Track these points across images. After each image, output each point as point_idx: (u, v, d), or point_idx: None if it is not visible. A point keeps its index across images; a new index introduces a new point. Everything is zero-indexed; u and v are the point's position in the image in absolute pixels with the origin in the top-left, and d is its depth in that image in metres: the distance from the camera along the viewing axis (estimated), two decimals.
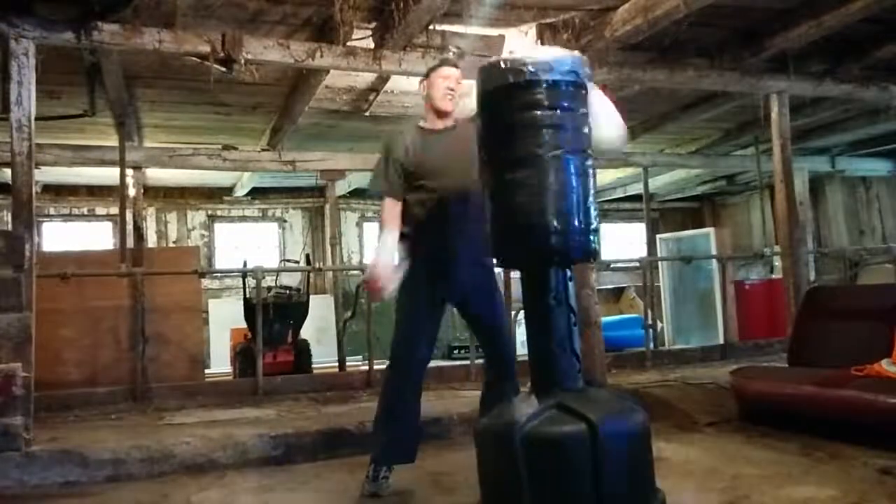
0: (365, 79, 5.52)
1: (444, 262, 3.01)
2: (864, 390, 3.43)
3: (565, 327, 2.29)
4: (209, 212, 10.40)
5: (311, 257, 8.89)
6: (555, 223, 2.24)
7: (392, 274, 2.97)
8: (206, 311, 8.43)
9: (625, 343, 7.42)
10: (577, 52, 2.44)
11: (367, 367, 5.66)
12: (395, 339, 3.10)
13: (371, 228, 11.37)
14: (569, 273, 2.34)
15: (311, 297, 7.42)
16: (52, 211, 9.52)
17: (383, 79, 5.41)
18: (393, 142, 3.15)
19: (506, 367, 3.18)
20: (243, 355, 6.18)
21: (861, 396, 3.39)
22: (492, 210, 2.38)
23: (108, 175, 7.55)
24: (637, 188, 9.34)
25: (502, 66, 2.32)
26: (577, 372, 2.31)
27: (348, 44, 4.49)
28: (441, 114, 3.11)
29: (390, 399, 3.10)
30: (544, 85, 2.26)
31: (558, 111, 2.27)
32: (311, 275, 8.22)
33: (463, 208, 2.97)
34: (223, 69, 4.27)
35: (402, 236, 3.07)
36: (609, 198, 10.83)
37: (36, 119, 3.87)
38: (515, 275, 3.04)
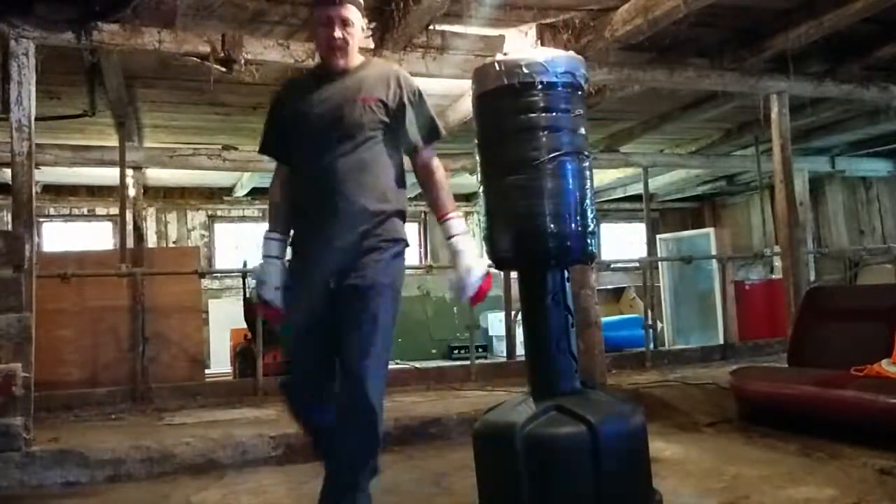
0: None
1: (313, 249, 2.33)
2: (864, 390, 3.43)
3: (563, 328, 2.30)
4: (209, 212, 10.39)
5: None
6: (552, 226, 2.24)
7: (281, 301, 2.35)
8: (206, 312, 8.42)
9: (625, 343, 7.41)
10: (572, 53, 2.44)
11: None
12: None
13: None
14: (566, 274, 2.34)
15: None
16: (52, 211, 9.52)
17: None
18: (278, 92, 2.54)
19: (347, 415, 2.23)
20: (243, 355, 6.18)
21: (861, 396, 3.40)
22: (490, 212, 2.39)
23: (108, 175, 7.54)
24: (637, 188, 9.33)
25: (497, 68, 2.32)
26: (575, 373, 2.32)
27: None
28: (332, 65, 2.40)
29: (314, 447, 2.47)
30: (540, 87, 2.26)
31: (554, 113, 2.27)
32: None
33: (342, 176, 2.28)
34: (223, 69, 4.27)
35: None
36: (609, 198, 10.82)
37: (36, 119, 3.86)
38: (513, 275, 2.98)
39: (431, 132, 2.45)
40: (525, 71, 2.27)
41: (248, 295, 6.40)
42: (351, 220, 2.27)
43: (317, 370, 2.33)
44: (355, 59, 2.41)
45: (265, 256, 2.41)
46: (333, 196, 2.28)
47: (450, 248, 2.36)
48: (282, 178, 2.48)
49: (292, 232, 2.42)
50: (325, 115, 2.33)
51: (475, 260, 2.33)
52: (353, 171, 2.28)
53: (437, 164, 2.44)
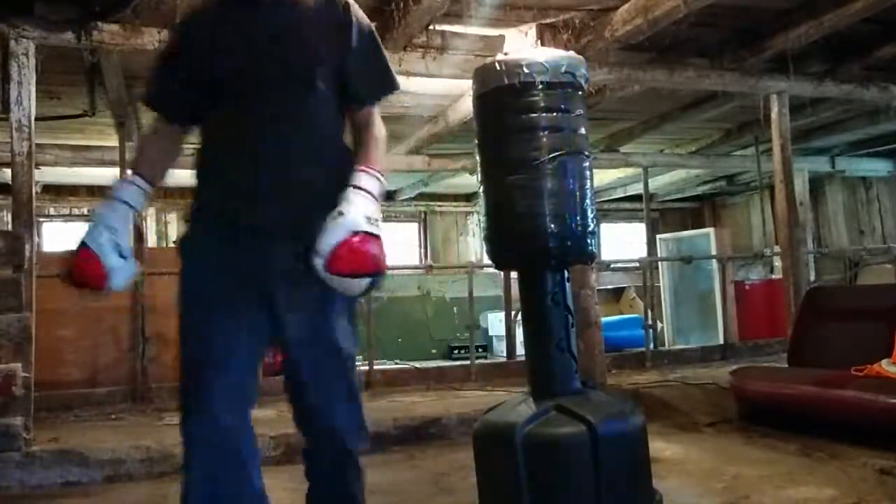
0: None
1: (240, 231, 1.77)
2: (864, 390, 3.43)
3: (563, 328, 2.29)
4: None
5: None
6: (552, 226, 2.24)
7: (111, 250, 1.79)
8: None
9: (625, 343, 7.42)
10: (573, 53, 2.43)
11: (366, 368, 5.66)
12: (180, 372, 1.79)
13: None
14: (566, 274, 2.34)
15: None
16: (52, 211, 9.52)
17: None
18: (179, 26, 1.95)
19: (324, 449, 1.86)
20: None
21: (861, 396, 3.40)
22: (490, 212, 2.39)
23: (108, 175, 7.52)
24: (637, 188, 9.33)
25: (498, 67, 2.32)
26: (575, 373, 2.32)
27: None
28: None
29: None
30: (540, 87, 2.26)
31: (555, 113, 2.27)
32: None
33: (285, 142, 1.76)
34: None
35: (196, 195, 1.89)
36: (609, 198, 10.82)
37: (36, 119, 3.87)
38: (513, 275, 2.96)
39: (384, 84, 1.90)
40: (526, 71, 2.26)
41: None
42: (296, 199, 1.76)
43: (234, 377, 1.73)
44: None
45: (109, 197, 1.85)
46: (271, 167, 1.75)
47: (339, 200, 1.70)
48: (166, 133, 1.95)
49: (201, 203, 1.87)
50: (257, 60, 1.77)
51: (353, 217, 1.65)
52: (298, 135, 1.77)
53: (379, 123, 1.88)
